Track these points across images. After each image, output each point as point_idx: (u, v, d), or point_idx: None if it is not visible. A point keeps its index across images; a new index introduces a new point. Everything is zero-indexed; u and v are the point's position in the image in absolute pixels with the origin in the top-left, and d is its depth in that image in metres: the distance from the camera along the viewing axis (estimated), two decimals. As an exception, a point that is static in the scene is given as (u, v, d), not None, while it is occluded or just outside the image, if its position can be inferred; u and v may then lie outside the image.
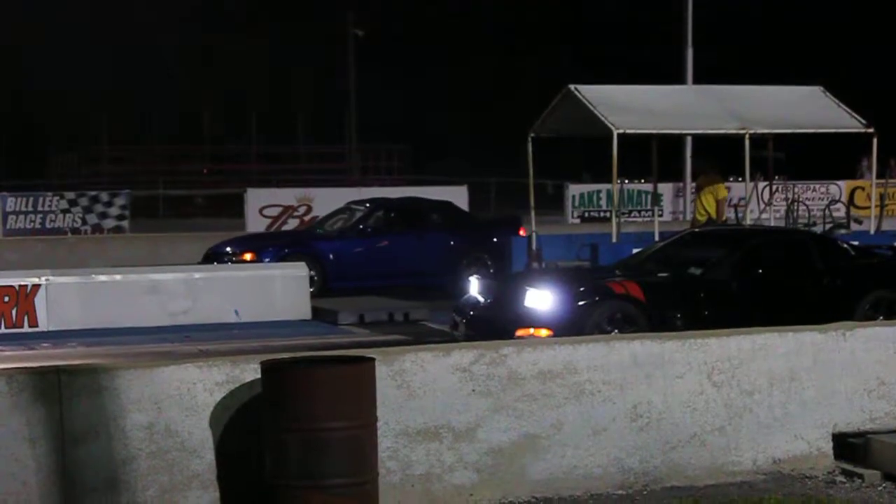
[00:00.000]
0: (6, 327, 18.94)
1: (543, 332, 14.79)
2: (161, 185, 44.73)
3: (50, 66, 52.99)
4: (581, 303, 15.40)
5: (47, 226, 32.86)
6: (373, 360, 8.91)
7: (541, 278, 16.62)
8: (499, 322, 15.42)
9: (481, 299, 16.46)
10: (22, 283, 19.23)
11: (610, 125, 20.68)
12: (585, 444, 9.81)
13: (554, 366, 9.77)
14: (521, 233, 23.54)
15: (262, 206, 33.54)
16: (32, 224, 32.83)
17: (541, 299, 15.40)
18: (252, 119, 54.64)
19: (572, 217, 36.44)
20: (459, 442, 9.50)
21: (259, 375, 8.79)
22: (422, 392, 9.42)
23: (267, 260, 22.08)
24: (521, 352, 9.80)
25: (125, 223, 33.54)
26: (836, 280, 16.37)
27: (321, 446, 8.42)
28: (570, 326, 14.73)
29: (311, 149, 56.21)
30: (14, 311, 19.04)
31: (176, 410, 8.89)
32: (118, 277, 19.99)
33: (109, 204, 33.72)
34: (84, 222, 33.26)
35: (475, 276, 18.17)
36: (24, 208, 33.18)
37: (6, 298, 19.04)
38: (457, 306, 17.12)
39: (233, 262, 22.09)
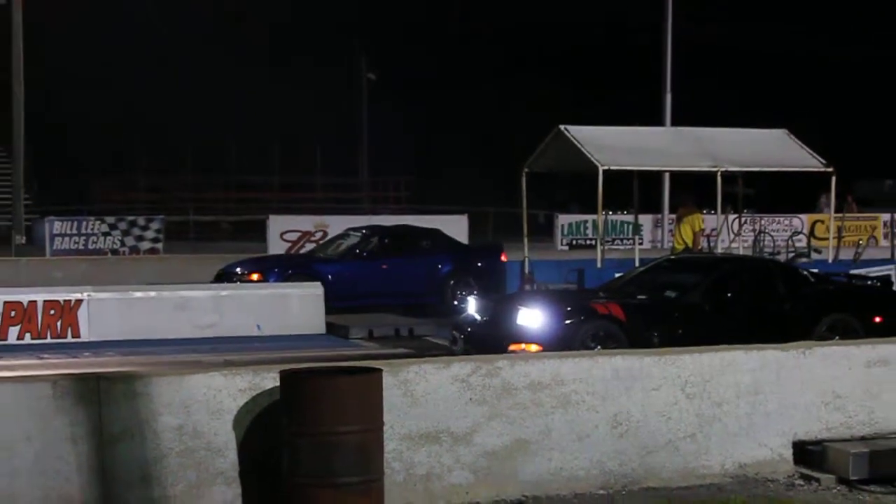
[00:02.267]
0: (52, 337, 18.96)
1: (534, 348, 14.76)
2: (191, 212, 44.74)
3: (92, 103, 53.08)
4: (568, 321, 15.39)
5: (89, 247, 32.88)
6: (380, 370, 8.92)
7: (532, 299, 16.59)
8: (494, 338, 15.39)
9: (478, 317, 16.46)
10: (66, 298, 19.26)
11: (596, 162, 20.72)
12: (571, 449, 9.81)
13: (543, 378, 9.79)
14: (503, 258, 23.54)
15: (282, 231, 33.58)
16: (76, 245, 32.85)
17: (532, 318, 15.40)
18: (275, 152, 54.65)
19: (561, 244, 36.48)
20: (457, 445, 9.51)
21: (278, 383, 8.80)
22: (424, 400, 9.44)
23: (272, 280, 22.00)
24: (514, 365, 9.81)
25: (159, 245, 33.58)
26: (797, 304, 16.38)
27: (333, 448, 8.42)
28: (558, 342, 14.72)
29: (327, 180, 56.21)
30: (59, 323, 19.06)
31: (203, 414, 8.90)
32: (152, 294, 20.00)
33: (145, 228, 33.76)
34: (122, 244, 33.28)
35: (472, 296, 18.17)
36: (68, 231, 33.22)
37: (52, 312, 19.06)
38: (456, 323, 17.13)
39: (242, 281, 22.03)
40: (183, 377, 9.00)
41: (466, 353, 14.93)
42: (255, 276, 22.21)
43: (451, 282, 23.22)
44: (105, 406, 8.69)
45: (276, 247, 32.46)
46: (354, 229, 25.13)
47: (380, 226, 26.15)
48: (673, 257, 19.89)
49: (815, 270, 18.69)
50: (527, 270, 21.69)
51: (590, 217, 35.43)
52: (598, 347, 14.61)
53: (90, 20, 54.13)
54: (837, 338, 15.33)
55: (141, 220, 34.12)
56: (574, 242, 36.49)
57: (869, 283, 18.30)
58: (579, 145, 21.16)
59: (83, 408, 8.65)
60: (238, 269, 22.81)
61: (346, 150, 56.86)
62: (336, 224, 32.16)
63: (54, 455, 8.60)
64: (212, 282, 22.39)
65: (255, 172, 55.22)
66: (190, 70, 55.35)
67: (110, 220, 33.96)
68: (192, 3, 56.43)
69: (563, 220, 37.40)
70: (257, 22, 58.86)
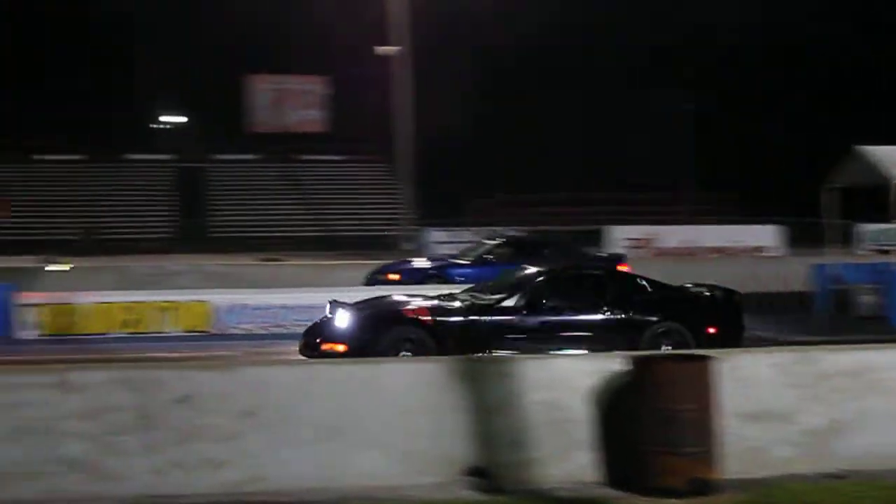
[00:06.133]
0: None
1: (340, 348, 13.19)
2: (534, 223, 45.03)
3: (461, 135, 54.34)
4: (371, 326, 13.58)
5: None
6: (712, 358, 8.66)
7: (358, 304, 14.42)
8: (317, 336, 13.79)
9: (327, 317, 14.27)
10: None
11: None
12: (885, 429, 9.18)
13: (856, 367, 9.26)
14: (621, 268, 21.05)
15: (619, 237, 33.40)
16: (450, 250, 33.71)
17: (343, 319, 13.68)
18: (606, 173, 54.57)
19: (860, 250, 34.65)
20: (779, 423, 9.11)
21: (623, 367, 8.71)
22: (750, 384, 9.09)
23: (409, 280, 20.54)
24: (828, 355, 9.37)
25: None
26: (625, 311, 13.91)
27: (674, 422, 8.28)
28: (360, 344, 13.16)
29: (649, 196, 55.56)
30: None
31: (564, 391, 8.87)
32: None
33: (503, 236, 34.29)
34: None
35: (329, 300, 14.94)
36: (444, 239, 34.46)
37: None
38: (314, 322, 14.93)
39: (383, 282, 20.41)
40: (546, 360, 9.04)
41: (301, 351, 13.59)
42: (395, 277, 21.00)
43: None
44: (483, 383, 8.79)
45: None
46: (488, 238, 23.95)
47: (514, 235, 24.71)
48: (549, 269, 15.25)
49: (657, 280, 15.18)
50: (836, 273, 20.47)
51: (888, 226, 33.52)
52: (409, 354, 12.95)
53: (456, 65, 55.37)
54: (665, 343, 13.35)
55: (499, 230, 34.72)
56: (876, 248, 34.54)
57: (709, 293, 14.82)
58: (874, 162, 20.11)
59: (466, 384, 8.79)
60: (383, 272, 21.59)
61: (669, 171, 56.09)
62: (661, 234, 31.64)
63: (443, 421, 8.77)
64: (363, 283, 20.96)
65: (592, 190, 55.26)
66: (543, 109, 56.05)
67: (475, 229, 34.83)
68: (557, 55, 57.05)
69: (862, 228, 35.53)
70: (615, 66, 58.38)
